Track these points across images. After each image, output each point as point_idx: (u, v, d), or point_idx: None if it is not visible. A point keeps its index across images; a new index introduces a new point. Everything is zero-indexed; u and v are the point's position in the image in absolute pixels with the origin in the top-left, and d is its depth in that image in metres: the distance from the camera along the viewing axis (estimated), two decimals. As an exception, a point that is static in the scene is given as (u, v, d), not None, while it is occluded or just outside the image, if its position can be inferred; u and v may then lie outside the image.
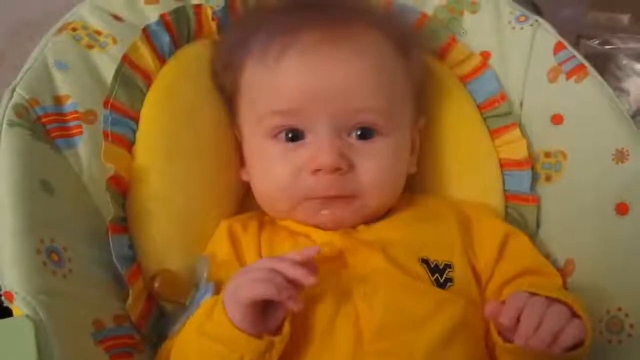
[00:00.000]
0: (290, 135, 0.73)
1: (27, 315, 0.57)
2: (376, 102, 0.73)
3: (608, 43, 1.28)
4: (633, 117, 1.16)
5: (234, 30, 0.83)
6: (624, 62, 1.25)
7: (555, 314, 0.60)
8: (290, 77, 0.72)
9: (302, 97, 0.72)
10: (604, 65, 1.27)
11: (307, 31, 0.72)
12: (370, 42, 0.75)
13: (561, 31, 0.87)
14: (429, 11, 0.91)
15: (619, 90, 1.23)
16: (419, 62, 0.81)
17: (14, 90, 0.70)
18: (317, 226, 0.73)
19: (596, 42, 1.29)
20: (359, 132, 0.73)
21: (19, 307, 0.58)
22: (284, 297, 0.59)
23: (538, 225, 0.81)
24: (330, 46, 0.72)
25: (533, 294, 0.62)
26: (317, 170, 0.71)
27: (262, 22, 0.78)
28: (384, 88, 0.74)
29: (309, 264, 0.62)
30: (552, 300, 0.62)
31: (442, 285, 0.69)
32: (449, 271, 0.71)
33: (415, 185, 0.82)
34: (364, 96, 0.72)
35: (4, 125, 0.67)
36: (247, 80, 0.77)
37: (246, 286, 0.60)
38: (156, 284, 0.69)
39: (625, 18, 1.32)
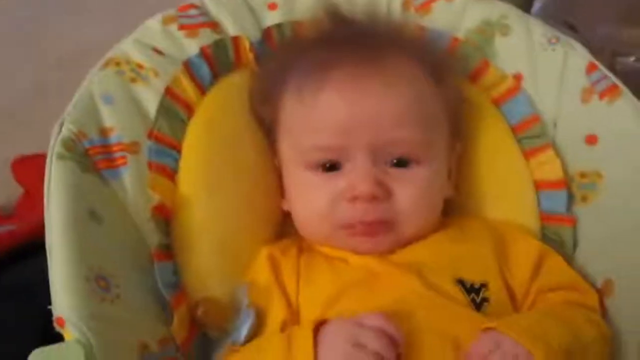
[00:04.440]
0: (328, 166, 0.75)
1: (77, 340, 0.59)
2: (412, 133, 0.74)
3: (643, 60, 1.28)
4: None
5: (270, 64, 0.85)
6: (660, 78, 1.24)
7: None
8: (326, 113, 0.74)
9: (339, 132, 0.73)
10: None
11: (342, 65, 0.74)
12: (405, 73, 0.77)
13: (597, 48, 0.88)
14: (461, 35, 0.92)
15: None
16: (454, 88, 0.83)
17: (62, 124, 0.73)
18: (353, 251, 0.75)
19: (632, 59, 1.29)
20: (395, 161, 0.75)
21: (69, 332, 0.60)
22: None
23: (575, 246, 0.80)
24: (364, 79, 0.74)
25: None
26: (354, 198, 0.73)
27: (298, 57, 0.80)
28: (419, 118, 0.75)
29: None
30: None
31: (478, 305, 0.70)
32: (485, 291, 0.71)
33: (452, 207, 0.83)
34: (400, 127, 0.74)
35: (54, 159, 0.70)
36: (285, 115, 0.79)
37: None
38: (199, 312, 0.71)
39: (661, 35, 1.32)
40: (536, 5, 1.26)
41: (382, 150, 0.74)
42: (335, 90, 0.74)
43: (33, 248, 0.92)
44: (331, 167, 0.75)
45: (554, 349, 0.61)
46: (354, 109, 0.73)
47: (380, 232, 0.74)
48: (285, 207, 0.82)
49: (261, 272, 0.75)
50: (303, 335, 0.63)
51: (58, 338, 0.61)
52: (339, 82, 0.74)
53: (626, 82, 0.84)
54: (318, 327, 0.63)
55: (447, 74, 0.82)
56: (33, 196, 1.14)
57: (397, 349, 0.62)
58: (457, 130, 0.83)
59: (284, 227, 0.84)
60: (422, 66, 0.79)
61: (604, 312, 0.74)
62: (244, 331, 0.69)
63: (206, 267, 0.75)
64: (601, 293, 0.75)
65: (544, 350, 0.61)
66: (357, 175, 0.73)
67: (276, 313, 0.71)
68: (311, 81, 0.75)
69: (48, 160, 0.70)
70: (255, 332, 0.70)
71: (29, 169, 1.18)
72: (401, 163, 0.75)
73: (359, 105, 0.74)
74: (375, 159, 0.74)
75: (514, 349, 0.61)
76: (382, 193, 0.73)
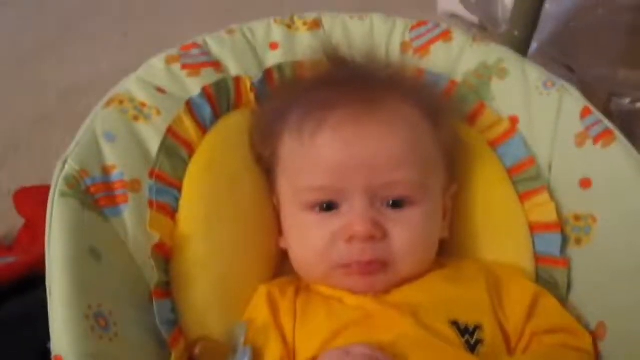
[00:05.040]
0: (325, 206, 0.76)
1: (76, 379, 0.60)
2: (409, 175, 0.76)
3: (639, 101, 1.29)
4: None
5: (271, 103, 0.87)
6: (656, 119, 1.26)
7: None
8: (324, 154, 0.76)
9: (336, 173, 0.75)
10: (636, 123, 1.28)
11: (341, 107, 0.76)
12: (403, 115, 0.78)
13: (593, 90, 0.89)
14: (458, 77, 0.94)
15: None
16: (450, 131, 0.84)
17: (65, 161, 0.74)
18: (350, 290, 0.75)
19: (628, 101, 1.31)
20: (391, 202, 0.76)
21: (68, 371, 0.60)
22: None
23: (569, 288, 0.81)
24: (363, 121, 0.75)
25: None
26: (351, 238, 0.74)
27: (298, 97, 0.81)
28: (416, 160, 0.77)
29: None
30: None
31: (472, 347, 0.70)
32: (479, 332, 0.72)
33: (447, 248, 0.84)
34: (397, 170, 0.75)
35: (56, 196, 0.70)
36: (284, 154, 0.81)
37: None
38: (197, 350, 0.72)
39: (657, 76, 1.34)
40: (533, 46, 1.28)
41: (378, 192, 0.75)
42: (333, 130, 0.76)
43: (33, 280, 0.93)
44: (328, 207, 0.76)
45: None
46: (352, 150, 0.75)
47: (376, 271, 0.75)
48: (283, 245, 0.83)
49: (259, 310, 0.76)
50: None
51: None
52: (337, 122, 0.76)
53: (621, 123, 0.85)
54: None
55: (444, 117, 0.83)
56: (34, 227, 1.15)
57: None
58: (453, 171, 0.84)
59: (282, 266, 0.85)
60: (419, 108, 0.80)
61: (597, 355, 0.74)
62: (241, 370, 0.70)
63: (204, 304, 0.76)
64: (594, 336, 0.75)
65: None
66: (354, 215, 0.74)
67: (273, 353, 0.71)
68: (310, 121, 0.77)
69: (50, 197, 0.71)
70: (252, 370, 0.70)
71: (30, 201, 1.19)
72: (397, 204, 0.76)
73: (356, 146, 0.75)
74: (372, 200, 0.75)
75: None
76: (379, 233, 0.74)
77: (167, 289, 0.75)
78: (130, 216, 0.75)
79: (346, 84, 0.79)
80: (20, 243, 1.15)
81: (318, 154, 0.76)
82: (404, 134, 0.77)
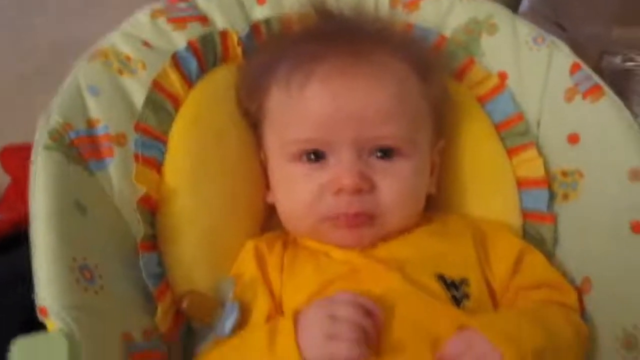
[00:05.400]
0: (312, 157, 0.76)
1: (60, 330, 0.60)
2: (397, 128, 0.75)
3: (631, 60, 1.29)
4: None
5: (258, 57, 0.86)
6: (647, 78, 1.25)
7: None
8: (312, 105, 0.75)
9: (324, 125, 0.74)
10: (628, 81, 1.28)
11: (330, 59, 0.75)
12: (391, 68, 0.77)
13: (585, 48, 0.88)
14: (448, 33, 0.93)
15: (642, 107, 1.23)
16: (439, 86, 0.83)
17: (49, 115, 0.73)
18: (337, 244, 0.76)
19: (620, 59, 1.30)
20: (379, 153, 0.75)
21: (53, 322, 0.60)
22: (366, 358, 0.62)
23: (555, 244, 0.82)
24: (351, 73, 0.75)
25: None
26: (339, 191, 0.74)
27: (286, 50, 0.80)
28: (404, 114, 0.76)
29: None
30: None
31: (458, 301, 0.71)
32: (465, 287, 0.72)
33: (435, 204, 0.84)
34: (385, 122, 0.75)
35: (40, 149, 0.70)
36: (272, 107, 0.80)
37: (337, 347, 0.62)
38: (184, 304, 0.72)
39: (650, 34, 1.33)
40: (524, 4, 1.27)
41: (366, 144, 0.75)
42: (321, 82, 0.75)
43: (19, 237, 0.92)
44: (316, 157, 0.76)
45: (526, 351, 0.63)
46: (340, 102, 0.74)
47: (364, 224, 0.75)
48: (271, 200, 0.83)
49: (247, 265, 0.76)
50: (284, 323, 0.65)
51: (43, 329, 0.61)
52: (325, 75, 0.75)
53: (613, 82, 0.85)
54: (298, 315, 0.65)
55: (432, 72, 0.82)
56: (20, 185, 1.14)
57: (375, 319, 0.64)
58: (441, 127, 0.84)
59: (270, 221, 0.85)
60: (408, 63, 0.80)
61: (582, 309, 0.75)
62: (228, 324, 0.70)
63: (191, 259, 0.76)
64: (580, 291, 0.76)
65: (516, 352, 0.62)
66: (341, 168, 0.74)
67: (261, 307, 0.72)
68: (298, 73, 0.76)
69: (34, 150, 0.70)
70: (240, 325, 0.70)
71: (17, 159, 1.18)
72: (386, 154, 0.75)
73: (344, 99, 0.74)
74: (359, 153, 0.75)
75: (486, 350, 0.63)
76: (366, 186, 0.74)
77: (153, 242, 0.75)
78: (116, 170, 0.75)
79: (334, 37, 0.78)
80: (7, 201, 1.15)
81: (306, 106, 0.75)
82: (392, 88, 0.76)
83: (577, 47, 0.90)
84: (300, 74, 0.75)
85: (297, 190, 0.76)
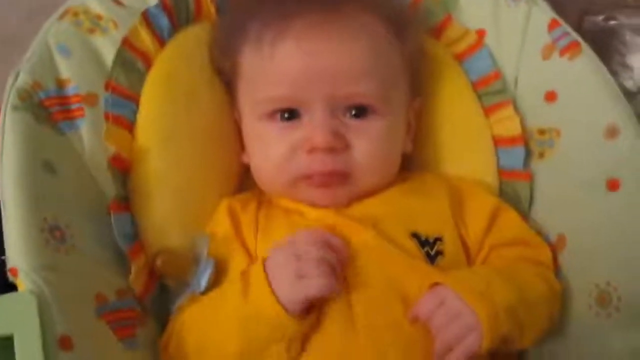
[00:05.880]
0: (286, 115, 0.75)
1: (30, 290, 0.60)
2: (371, 85, 0.74)
3: (613, 19, 1.27)
4: (638, 92, 1.16)
5: (231, 15, 0.84)
6: (629, 37, 1.24)
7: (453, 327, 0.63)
8: (284, 63, 0.74)
9: (296, 82, 0.73)
10: (609, 41, 1.27)
11: (301, 16, 0.74)
12: (364, 25, 0.76)
13: (565, 7, 0.87)
14: (425, -10, 0.91)
15: (624, 66, 1.22)
16: (414, 43, 0.82)
17: (17, 74, 0.72)
18: (311, 204, 0.75)
19: (601, 18, 1.29)
20: (353, 112, 0.75)
21: (22, 282, 0.60)
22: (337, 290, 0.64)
23: (531, 202, 0.82)
24: (323, 30, 0.73)
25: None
26: (312, 150, 0.73)
27: (258, 8, 0.79)
28: (378, 71, 0.75)
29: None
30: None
31: (432, 258, 0.71)
32: (439, 244, 0.72)
33: (410, 163, 0.84)
34: (358, 79, 0.74)
35: (8, 109, 0.69)
36: (244, 66, 0.79)
37: (307, 285, 0.63)
38: (158, 262, 0.72)
39: (630, -6, 1.31)
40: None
41: (340, 101, 0.74)
42: (294, 40, 0.74)
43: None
44: (289, 116, 0.75)
45: (498, 308, 0.64)
46: (312, 59, 0.73)
47: (337, 183, 0.74)
48: (245, 160, 0.82)
49: (221, 224, 0.76)
50: (255, 270, 0.66)
51: (15, 289, 0.61)
52: (298, 31, 0.74)
53: (594, 41, 0.84)
54: (267, 261, 0.66)
55: (408, 29, 0.81)
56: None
57: (338, 252, 0.65)
58: (417, 85, 0.83)
59: (247, 182, 0.84)
60: (383, 19, 0.78)
61: (556, 267, 0.75)
62: (204, 281, 0.70)
63: (163, 218, 0.75)
64: (554, 248, 0.76)
65: (488, 308, 0.63)
66: (314, 126, 0.73)
67: (236, 264, 0.72)
68: (270, 31, 0.75)
69: (2, 110, 0.69)
70: (215, 282, 0.71)
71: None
72: (360, 113, 0.75)
73: (317, 56, 0.73)
74: (333, 111, 0.74)
75: (458, 306, 0.63)
76: (340, 144, 0.73)
77: (125, 202, 0.74)
78: (87, 130, 0.74)
79: None
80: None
81: (278, 64, 0.74)
82: (366, 45, 0.75)
83: (557, 6, 0.89)
84: (272, 32, 0.74)
85: (270, 149, 0.75)
